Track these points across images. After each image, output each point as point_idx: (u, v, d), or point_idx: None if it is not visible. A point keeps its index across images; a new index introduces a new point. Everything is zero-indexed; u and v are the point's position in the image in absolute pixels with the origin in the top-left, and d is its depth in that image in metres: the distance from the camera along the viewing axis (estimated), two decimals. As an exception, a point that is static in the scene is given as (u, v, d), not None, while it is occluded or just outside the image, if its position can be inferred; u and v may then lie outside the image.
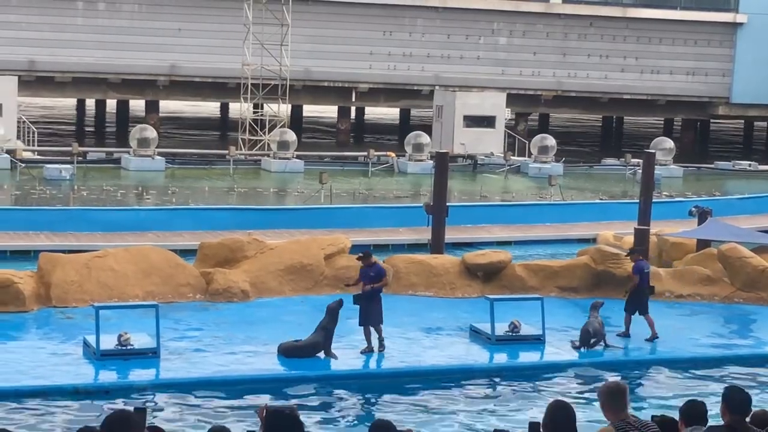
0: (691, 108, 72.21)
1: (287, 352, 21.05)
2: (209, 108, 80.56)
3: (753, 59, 69.86)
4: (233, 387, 19.18)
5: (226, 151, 53.24)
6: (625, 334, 23.20)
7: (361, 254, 22.33)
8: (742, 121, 78.72)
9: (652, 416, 10.29)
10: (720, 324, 25.42)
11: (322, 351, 21.07)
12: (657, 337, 23.08)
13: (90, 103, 76.90)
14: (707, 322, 25.40)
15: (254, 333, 22.55)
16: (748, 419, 9.47)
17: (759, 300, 27.21)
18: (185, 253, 28.06)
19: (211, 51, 61.48)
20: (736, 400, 9.37)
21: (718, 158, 63.48)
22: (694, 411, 9.79)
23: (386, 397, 19.63)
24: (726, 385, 10.45)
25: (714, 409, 9.82)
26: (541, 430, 9.35)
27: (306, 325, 23.22)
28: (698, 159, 63.94)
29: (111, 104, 74.20)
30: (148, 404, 17.84)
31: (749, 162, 61.20)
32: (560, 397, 18.93)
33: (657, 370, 21.28)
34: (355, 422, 18.12)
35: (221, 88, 63.36)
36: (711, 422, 9.76)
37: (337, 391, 19.53)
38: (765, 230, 35.92)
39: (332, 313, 21.27)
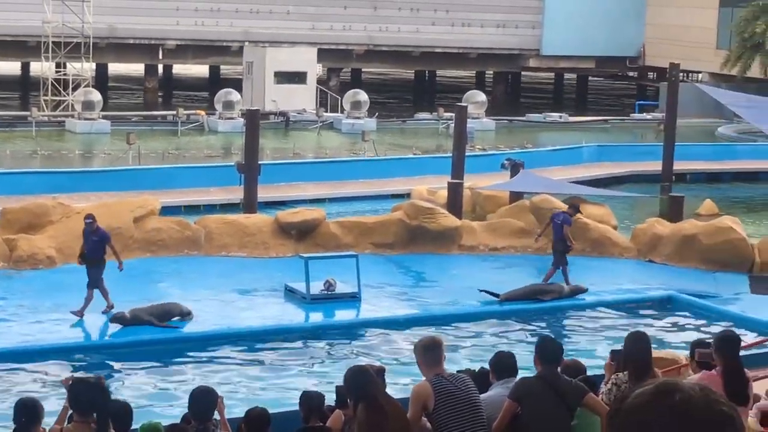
0: (503, 61, 73.24)
1: None
2: (9, 68, 78.33)
3: (562, 10, 71.13)
4: (40, 357, 18.75)
5: (28, 113, 52.01)
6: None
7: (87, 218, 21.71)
8: (553, 73, 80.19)
9: (464, 369, 10.43)
10: (535, 276, 25.84)
11: None
12: None
13: None
14: (522, 275, 25.81)
15: (63, 300, 22.08)
16: (559, 368, 9.63)
17: (571, 250, 27.71)
18: (-15, 219, 27.28)
19: (9, 8, 59.74)
20: (548, 349, 9.48)
21: (530, 110, 64.52)
22: (503, 363, 9.92)
23: (200, 361, 19.46)
24: (539, 335, 10.61)
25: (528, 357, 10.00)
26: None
27: (120, 289, 22.84)
28: (510, 112, 64.86)
29: None
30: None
31: (560, 114, 62.32)
32: (373, 354, 19.11)
33: (460, 323, 21.54)
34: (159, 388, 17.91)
35: (21, 47, 61.72)
36: (523, 372, 9.95)
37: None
38: (576, 181, 36.72)
39: None
